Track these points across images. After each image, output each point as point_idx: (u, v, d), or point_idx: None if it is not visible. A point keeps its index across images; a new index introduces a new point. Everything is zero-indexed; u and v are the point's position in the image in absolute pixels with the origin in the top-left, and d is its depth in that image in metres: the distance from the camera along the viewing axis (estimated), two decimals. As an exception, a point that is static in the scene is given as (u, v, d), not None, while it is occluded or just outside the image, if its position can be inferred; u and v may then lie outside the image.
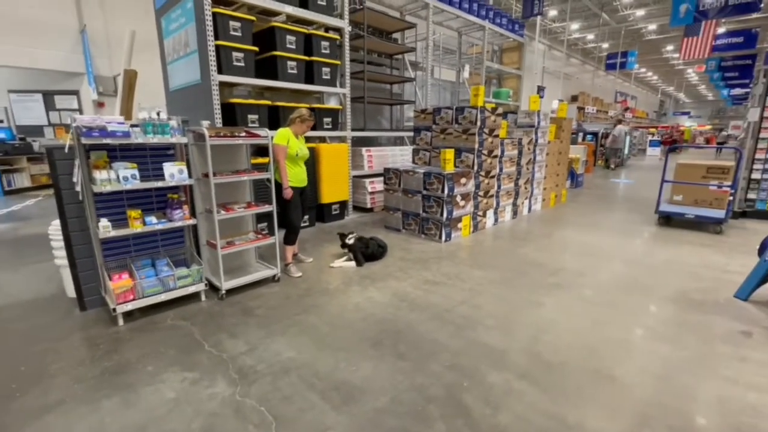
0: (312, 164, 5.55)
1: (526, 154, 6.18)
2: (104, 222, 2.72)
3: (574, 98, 23.14)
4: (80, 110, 9.03)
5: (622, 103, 26.95)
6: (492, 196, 5.63)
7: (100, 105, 8.68)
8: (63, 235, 2.92)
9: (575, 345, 2.56)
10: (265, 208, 3.48)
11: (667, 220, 5.68)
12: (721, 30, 14.00)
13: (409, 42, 8.53)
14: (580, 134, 13.81)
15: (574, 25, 20.06)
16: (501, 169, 5.70)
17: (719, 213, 5.18)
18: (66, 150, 2.75)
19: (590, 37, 22.41)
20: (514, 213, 6.25)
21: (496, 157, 5.49)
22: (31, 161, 8.42)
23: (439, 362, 2.36)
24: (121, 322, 2.82)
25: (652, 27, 20.68)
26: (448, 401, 2.02)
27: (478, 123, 4.99)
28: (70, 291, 3.16)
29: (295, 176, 3.77)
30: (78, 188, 2.79)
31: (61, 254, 3.08)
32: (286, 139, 3.60)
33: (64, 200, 2.85)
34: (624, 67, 21.05)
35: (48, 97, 9.05)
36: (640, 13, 18.57)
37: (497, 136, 5.42)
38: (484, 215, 5.56)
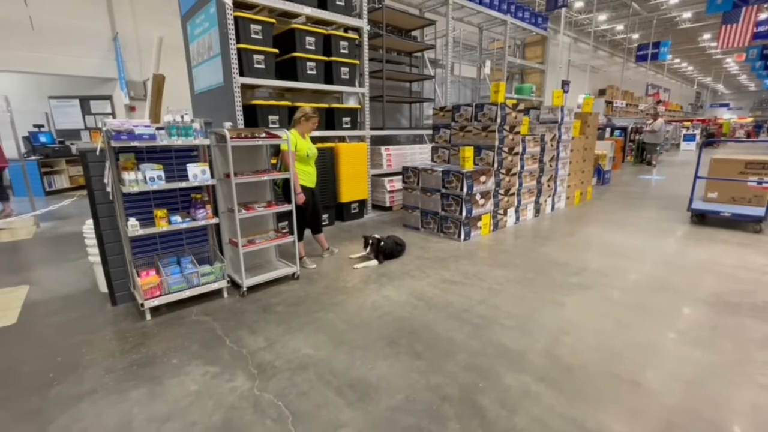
0: (331, 163, 5.61)
1: (549, 150, 6.02)
2: (132, 221, 2.85)
3: (601, 92, 22.33)
4: (113, 114, 9.46)
5: (654, 96, 25.79)
6: (513, 194, 5.52)
7: (131, 109, 9.06)
8: (95, 234, 3.08)
9: (597, 347, 2.48)
10: (284, 208, 3.55)
11: (701, 218, 5.41)
12: (762, 16, 13.15)
13: (429, 39, 8.47)
14: (608, 129, 13.32)
15: (602, 16, 19.34)
16: (522, 167, 5.58)
17: (759, 210, 4.88)
18: (97, 152, 2.89)
19: (619, 27, 21.54)
20: (537, 211, 6.11)
21: (517, 154, 5.38)
22: (69, 163, 8.90)
23: (456, 362, 2.34)
24: (148, 316, 2.95)
25: (687, 15, 19.66)
26: (464, 402, 2.01)
27: (498, 120, 4.90)
28: (103, 286, 3.33)
29: (307, 176, 3.83)
30: (108, 189, 2.94)
31: (94, 251, 3.24)
32: (293, 143, 3.63)
33: (96, 200, 3.00)
34: (656, 59, 20.11)
35: (84, 102, 9.53)
36: (674, 0, 17.70)
37: (518, 132, 5.31)
38: (505, 214, 5.47)
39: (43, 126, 9.02)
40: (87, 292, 3.48)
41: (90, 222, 3.16)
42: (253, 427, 1.86)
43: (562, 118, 6.16)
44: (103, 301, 3.28)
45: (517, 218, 5.73)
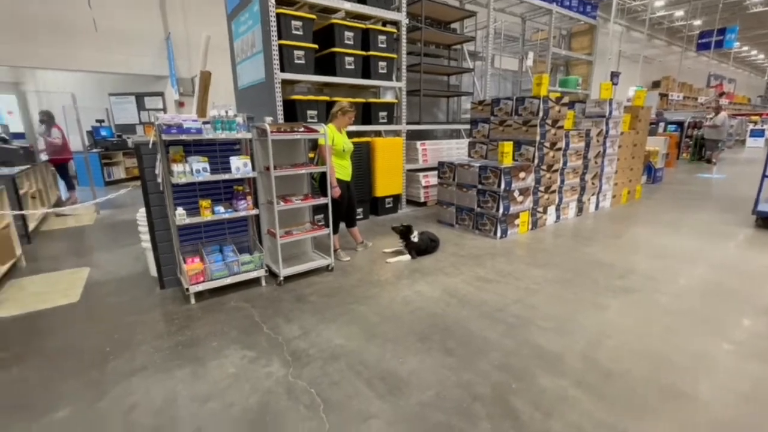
0: (366, 158, 5.65)
1: (594, 146, 5.71)
2: (180, 210, 3.02)
3: (655, 84, 20.83)
4: (164, 109, 10.07)
5: (717, 87, 23.67)
6: (554, 191, 5.29)
7: (180, 104, 9.59)
8: (147, 221, 3.30)
9: (642, 354, 2.34)
10: (320, 201, 3.62)
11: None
12: None
13: (469, 31, 8.25)
14: (661, 124, 12.42)
15: (659, 2, 17.96)
16: (565, 163, 5.33)
17: (838, 215, 4.37)
18: (150, 145, 3.08)
19: (678, 14, 19.93)
20: (579, 210, 5.83)
21: (559, 150, 5.14)
22: (125, 155, 9.59)
23: (488, 361, 2.30)
24: (192, 300, 3.12)
25: (759, -2, 17.85)
26: (496, 401, 1.97)
27: (540, 114, 4.71)
28: (153, 271, 3.56)
29: (343, 170, 3.87)
30: (159, 180, 3.13)
31: (146, 238, 3.48)
32: (330, 137, 3.68)
33: (148, 190, 3.20)
34: (720, 47, 18.45)
35: (139, 98, 10.20)
36: (744, -18, 16.10)
37: (562, 127, 5.08)
38: (545, 212, 5.26)
39: (103, 121, 9.77)
40: (139, 276, 3.74)
41: (143, 210, 3.39)
42: (287, 413, 1.93)
43: (610, 112, 5.81)
44: (152, 284, 3.51)
45: (558, 217, 5.49)
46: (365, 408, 1.95)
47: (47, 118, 6.49)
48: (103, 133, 9.43)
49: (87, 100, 9.39)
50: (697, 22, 20.65)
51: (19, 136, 8.93)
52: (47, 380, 2.21)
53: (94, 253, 4.48)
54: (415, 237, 4.07)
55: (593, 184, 5.93)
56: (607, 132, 5.85)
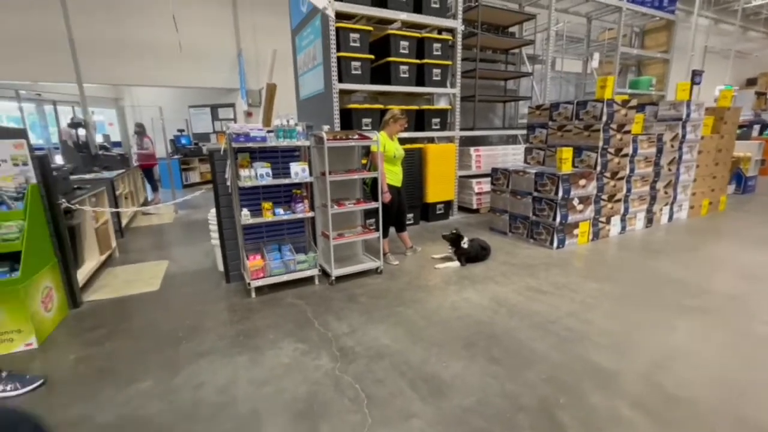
0: (418, 164, 5.71)
1: (668, 152, 5.24)
2: (245, 211, 3.31)
3: (750, 82, 18.46)
4: (234, 119, 10.97)
5: (831, 83, 20.31)
6: (619, 200, 4.94)
7: (249, 115, 10.40)
8: (217, 221, 3.65)
9: (712, 381, 2.12)
10: (372, 205, 3.75)
11: None
12: None
13: (528, 34, 8.01)
14: (756, 126, 10.98)
15: (755, -10, 15.92)
16: (632, 170, 4.96)
17: None
18: (222, 152, 3.43)
19: (780, 1, 17.49)
20: (649, 221, 5.37)
21: (626, 156, 4.80)
22: (200, 161, 10.61)
23: (535, 373, 2.23)
24: (253, 294, 3.40)
25: None
26: (541, 414, 1.91)
27: (604, 118, 4.44)
28: (220, 266, 3.93)
29: (394, 176, 3.97)
30: (228, 183, 3.46)
31: (215, 236, 3.85)
32: (382, 144, 3.78)
33: (219, 192, 3.56)
34: (835, 36, 15.87)
35: (214, 109, 11.24)
36: None
37: (628, 132, 4.74)
38: (608, 222, 4.93)
39: (183, 130, 10.90)
40: (208, 270, 4.14)
41: (213, 211, 3.76)
42: (333, 404, 2.04)
43: (688, 115, 5.30)
44: (219, 278, 3.87)
45: (623, 228, 5.11)
46: (407, 407, 2.00)
47: (141, 130, 7.43)
48: (183, 141, 10.52)
49: (170, 112, 10.55)
50: (805, 10, 17.95)
51: (116, 144, 10.29)
52: (133, 355, 2.55)
53: (173, 248, 5.03)
54: (465, 243, 4.05)
55: (666, 193, 5.44)
56: (684, 136, 5.35)
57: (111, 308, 3.29)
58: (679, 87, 5.45)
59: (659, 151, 5.15)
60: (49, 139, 9.49)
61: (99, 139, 7.52)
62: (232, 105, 10.98)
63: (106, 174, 5.62)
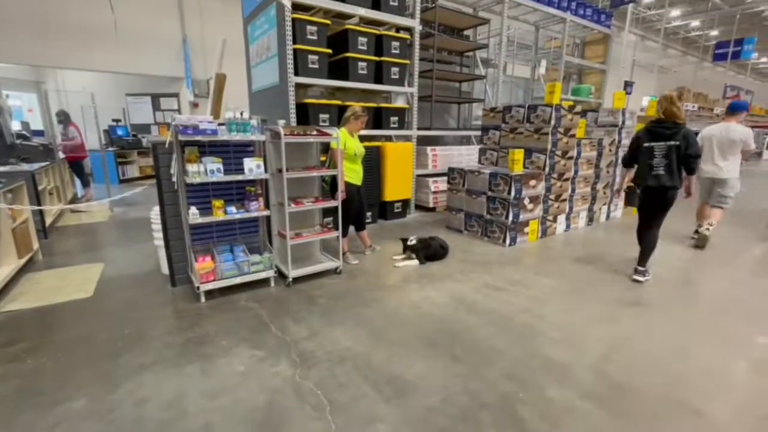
0: (376, 162, 5.68)
1: (606, 155, 5.67)
2: (193, 209, 3.07)
3: (670, 94, 20.54)
4: (179, 110, 10.24)
5: (733, 98, 23.32)
6: (565, 200, 5.26)
7: (195, 106, 9.76)
8: (160, 220, 3.36)
9: (655, 370, 2.31)
10: (331, 203, 3.65)
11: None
12: None
13: (482, 38, 8.28)
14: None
15: (675, 12, 17.80)
16: (576, 172, 5.30)
17: None
18: (166, 145, 3.15)
19: (695, 24, 19.71)
20: (590, 219, 5.78)
21: (571, 158, 5.12)
22: (140, 155, 9.77)
23: (496, 369, 2.29)
24: (203, 299, 3.17)
25: (778, 9, 17.56)
26: (502, 410, 1.96)
27: (552, 122, 4.69)
28: (164, 268, 3.62)
29: (354, 174, 3.90)
30: (174, 179, 3.19)
31: (158, 236, 3.54)
32: (342, 141, 3.70)
33: (163, 189, 3.27)
34: (738, 57, 18.16)
35: (155, 99, 10.40)
36: (763, -7, 15.87)
37: (573, 135, 5.05)
38: (555, 220, 5.23)
39: (120, 120, 9.98)
40: (151, 273, 3.80)
41: (156, 209, 3.45)
42: (294, 412, 1.94)
43: (623, 122, 5.77)
44: (164, 281, 3.57)
45: (568, 226, 5.46)
46: (371, 411, 1.95)
47: (64, 117, 6.66)
48: (119, 132, 9.63)
49: (104, 100, 9.59)
50: (714, 33, 20.40)
51: (38, 133, 9.16)
52: (62, 371, 2.26)
53: (108, 249, 4.57)
54: (412, 241, 4.09)
55: (605, 193, 5.88)
56: (620, 141, 5.81)
57: (33, 319, 2.90)
58: (616, 96, 5.92)
59: (599, 155, 5.55)
60: (-49, 124, 8.23)
61: (16, 126, 6.64)
62: (176, 95, 10.23)
63: (25, 166, 4.97)
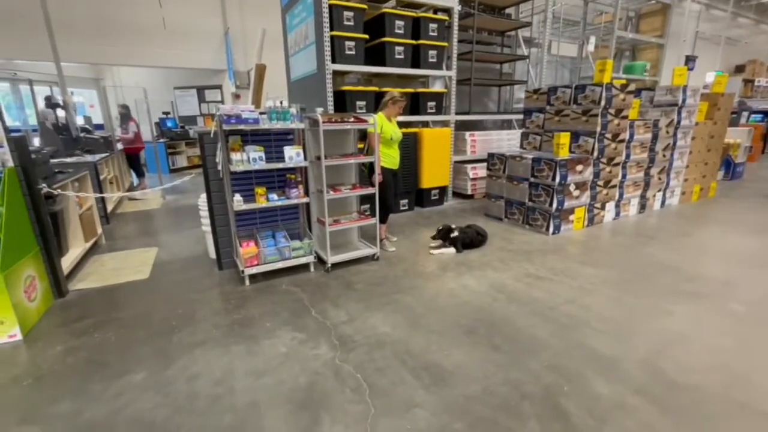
0: (413, 149, 5.61)
1: (663, 138, 5.24)
2: (237, 197, 3.19)
3: (738, 68, 18.60)
4: (222, 101, 10.64)
5: (815, 71, 20.61)
6: (614, 186, 4.94)
7: (237, 97, 10.08)
8: (207, 207, 3.53)
9: (713, 367, 2.13)
10: (368, 190, 3.66)
11: None
12: None
13: (524, 16, 7.85)
14: (744, 113, 11.09)
15: (748, -25, 15.88)
16: (628, 156, 4.94)
17: None
18: (211, 135, 3.28)
19: (771, -13, 17.51)
20: (642, 207, 5.40)
21: (622, 141, 4.78)
22: (187, 145, 10.29)
23: (538, 360, 2.22)
24: (247, 282, 3.31)
25: None
26: (545, 402, 1.90)
27: (603, 102, 4.38)
28: (212, 253, 3.82)
29: (390, 158, 3.86)
30: (219, 167, 3.33)
31: (206, 222, 3.72)
32: (379, 125, 3.67)
33: (209, 177, 3.42)
34: (822, 24, 16.01)
35: (200, 91, 10.87)
36: None
37: (626, 117, 4.70)
38: (603, 207, 4.93)
39: (169, 113, 10.54)
40: (200, 257, 4.03)
41: (204, 196, 3.62)
42: (334, 394, 2.00)
43: (684, 100, 5.28)
44: (211, 265, 3.77)
45: (618, 213, 5.13)
46: (410, 396, 1.96)
47: (126, 111, 7.11)
48: (169, 124, 10.18)
49: (155, 94, 10.16)
50: (795, -3, 18.02)
51: (98, 127, 9.90)
52: (124, 346, 2.46)
53: (161, 234, 4.88)
54: (455, 233, 3.99)
55: (659, 179, 5.46)
56: (678, 122, 5.34)
57: (98, 297, 3.17)
58: (675, 72, 5.41)
59: (655, 137, 5.13)
60: (26, 120, 9.09)
61: (80, 121, 7.20)
62: (219, 87, 10.62)
63: (88, 157, 5.39)
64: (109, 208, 5.57)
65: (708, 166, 6.13)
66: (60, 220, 3.56)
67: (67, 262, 3.46)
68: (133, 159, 7.47)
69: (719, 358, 2.21)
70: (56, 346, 2.47)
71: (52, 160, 4.30)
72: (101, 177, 5.30)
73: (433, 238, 4.08)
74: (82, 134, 6.28)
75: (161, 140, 9.73)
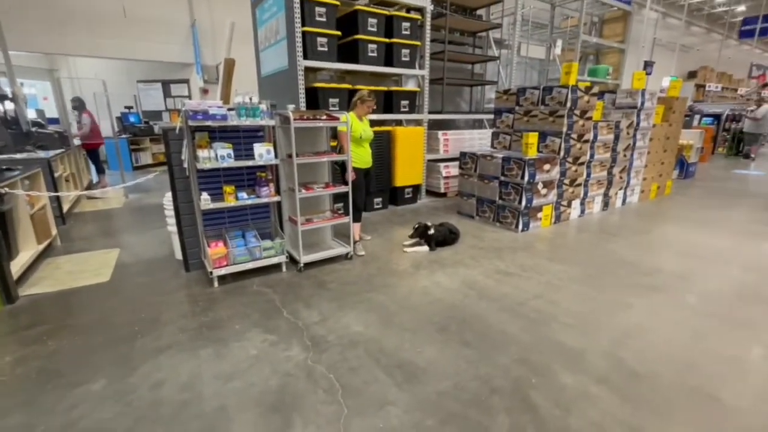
0: (387, 147, 5.61)
1: (624, 139, 5.50)
2: (205, 195, 3.08)
3: (691, 74, 19.81)
4: (189, 97, 10.24)
5: (760, 78, 22.28)
6: (579, 185, 5.14)
7: (204, 92, 9.73)
8: (173, 206, 3.38)
9: (669, 356, 2.26)
10: (341, 189, 3.63)
11: (810, 221, 4.65)
12: None
13: (495, 18, 8.01)
14: (696, 116, 11.84)
15: (700, -14, 16.93)
16: (592, 156, 5.16)
17: None
18: (177, 131, 3.15)
19: (720, -1, 18.76)
20: (605, 204, 5.65)
21: (587, 141, 4.97)
22: (152, 141, 9.85)
23: (507, 355, 2.28)
24: (215, 284, 3.21)
25: (812, -19, 16.56)
26: (514, 395, 1.95)
27: (568, 104, 4.54)
28: (178, 254, 3.67)
29: (360, 158, 3.85)
30: (185, 165, 3.20)
31: (172, 222, 3.58)
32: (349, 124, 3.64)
33: (175, 175, 3.28)
34: (765, 34, 17.34)
35: (166, 85, 10.41)
36: (795, -36, 14.95)
37: (590, 118, 4.90)
38: (569, 205, 5.12)
39: (132, 107, 10.04)
40: (165, 258, 3.86)
41: (169, 195, 3.48)
42: (306, 395, 1.97)
43: (643, 103, 5.56)
44: (177, 267, 3.62)
45: (583, 211, 5.34)
46: (383, 394, 1.97)
47: (79, 104, 6.71)
48: (132, 119, 9.69)
49: (116, 87, 9.65)
50: (741, 8, 19.39)
51: (53, 121, 9.29)
52: (81, 354, 2.32)
53: (123, 235, 4.65)
54: (431, 230, 4.03)
55: (621, 178, 5.73)
56: (638, 124, 5.62)
57: (53, 303, 2.98)
58: (635, 76, 5.69)
59: (616, 138, 5.38)
60: (-31, 113, 8.39)
61: (31, 114, 6.74)
62: (186, 81, 10.21)
63: (41, 153, 5.05)
64: (66, 207, 5.25)
65: (664, 166, 6.49)
66: (8, 221, 3.32)
67: (16, 266, 3.23)
68: (92, 154, 7.06)
69: (674, 348, 2.35)
70: (4, 356, 2.30)
71: (0, 156, 3.99)
72: (56, 174, 4.98)
73: (411, 236, 4.10)
74: (33, 129, 5.88)
75: (123, 136, 9.26)
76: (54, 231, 4.22)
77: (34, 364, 2.23)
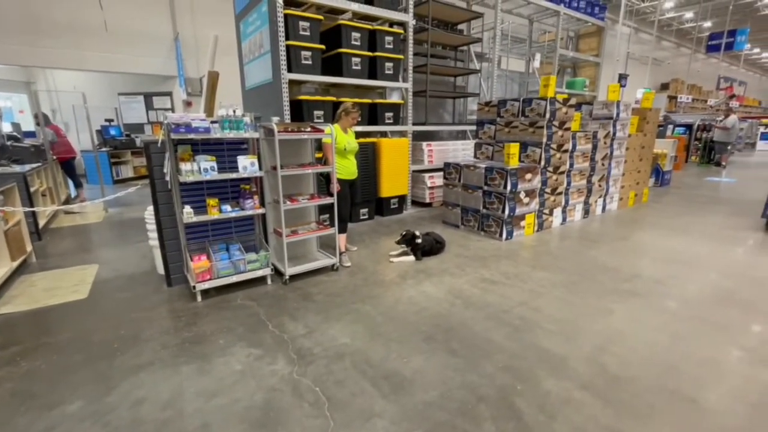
0: (372, 158, 5.66)
1: (601, 148, 5.68)
2: (188, 208, 3.05)
3: (664, 86, 20.68)
4: (172, 109, 10.14)
5: (727, 90, 23.40)
6: (560, 193, 5.27)
7: (188, 104, 9.67)
8: (155, 219, 3.33)
9: (649, 360, 2.32)
10: (326, 200, 3.64)
11: (778, 225, 4.86)
12: None
13: (476, 32, 8.25)
14: (669, 126, 12.31)
15: (668, 3, 17.80)
16: (572, 165, 5.30)
17: None
18: (159, 144, 3.12)
19: (688, 15, 19.73)
20: (586, 212, 5.80)
21: (566, 151, 5.12)
22: (134, 154, 9.69)
23: (493, 363, 2.30)
24: (199, 298, 3.15)
25: (771, -1, 17.59)
26: (500, 403, 1.96)
27: (547, 115, 4.69)
28: (160, 268, 3.60)
29: (344, 169, 3.88)
30: (167, 178, 3.17)
31: (153, 236, 3.51)
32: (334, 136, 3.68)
33: (156, 188, 3.24)
34: (731, 49, 18.26)
35: (148, 98, 10.29)
36: (755, -16, 15.89)
37: (569, 129, 5.05)
38: (551, 214, 5.24)
39: (113, 120, 9.87)
40: (147, 273, 3.78)
41: (151, 208, 3.42)
42: (292, 410, 1.94)
43: (618, 114, 5.77)
44: (159, 281, 3.55)
45: (564, 219, 5.47)
46: (369, 407, 1.95)
47: (42, 119, 6.56)
48: (112, 132, 9.53)
49: (97, 100, 9.50)
50: (707, 24, 20.43)
51: (29, 134, 9.06)
52: (57, 374, 2.24)
53: (103, 250, 4.53)
54: (419, 239, 4.06)
55: (600, 186, 5.90)
56: (614, 134, 5.82)
57: (27, 321, 2.87)
58: (610, 88, 5.91)
59: (594, 147, 5.55)
60: (-59, 127, 8.11)
61: (6, 128, 6.56)
62: (169, 94, 10.12)
63: (17, 168, 4.91)
64: (42, 222, 5.09)
65: (641, 174, 6.71)
66: (-19, 238, 3.21)
67: (-11, 284, 3.11)
68: (67, 167, 6.88)
69: (653, 352, 2.41)
70: (-26, 378, 2.21)
71: (-28, 171, 3.87)
72: (32, 189, 4.85)
73: (398, 243, 4.12)
74: (9, 142, 5.72)
75: (104, 149, 9.08)
76: (29, 247, 4.09)
77: (7, 386, 2.14)
